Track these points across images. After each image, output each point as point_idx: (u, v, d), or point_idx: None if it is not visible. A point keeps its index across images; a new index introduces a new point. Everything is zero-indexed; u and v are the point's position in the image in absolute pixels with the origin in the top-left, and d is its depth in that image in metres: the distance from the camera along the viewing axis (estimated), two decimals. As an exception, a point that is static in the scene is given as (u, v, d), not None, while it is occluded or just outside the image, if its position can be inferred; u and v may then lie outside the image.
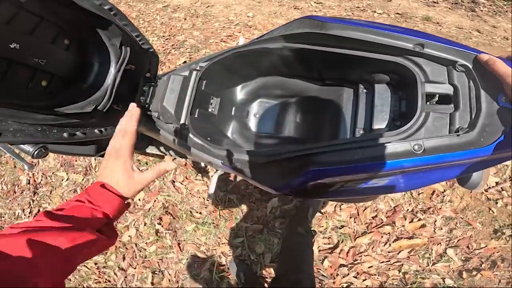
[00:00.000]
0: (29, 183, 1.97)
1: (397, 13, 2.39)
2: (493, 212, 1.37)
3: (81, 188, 1.81)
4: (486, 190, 1.41)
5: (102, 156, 1.05)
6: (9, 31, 0.56)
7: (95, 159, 1.83)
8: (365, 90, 0.80)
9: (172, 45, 2.42)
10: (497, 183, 1.41)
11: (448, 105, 0.55)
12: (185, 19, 2.77)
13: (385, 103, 0.70)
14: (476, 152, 0.48)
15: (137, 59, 0.76)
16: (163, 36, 2.57)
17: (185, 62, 2.19)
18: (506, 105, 0.48)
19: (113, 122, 0.66)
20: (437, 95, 0.57)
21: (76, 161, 1.90)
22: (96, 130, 0.65)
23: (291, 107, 1.02)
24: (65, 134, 0.57)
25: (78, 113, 0.62)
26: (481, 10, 2.38)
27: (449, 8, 2.46)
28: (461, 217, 1.38)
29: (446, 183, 1.44)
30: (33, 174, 1.96)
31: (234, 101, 1.04)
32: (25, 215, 1.89)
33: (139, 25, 2.87)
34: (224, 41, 2.31)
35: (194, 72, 0.83)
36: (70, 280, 1.66)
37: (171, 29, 2.66)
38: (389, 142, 0.52)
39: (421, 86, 0.57)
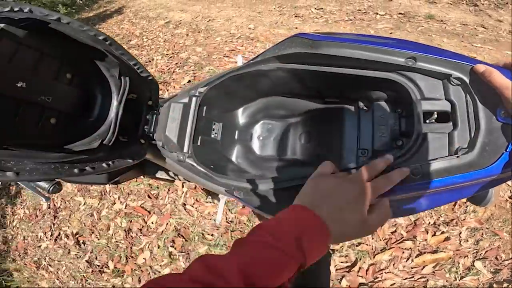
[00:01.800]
0: (49, 208, 2.05)
1: (400, 13, 2.33)
2: (520, 220, 1.28)
3: (97, 212, 1.84)
4: (510, 197, 1.32)
5: (115, 183, 1.06)
6: (13, 69, 0.56)
7: (109, 185, 1.87)
8: (365, 108, 0.77)
9: (176, 63, 2.44)
10: None
11: (447, 124, 0.51)
12: (187, 35, 2.80)
13: (385, 123, 0.68)
14: (478, 173, 0.45)
15: (137, 88, 0.75)
16: (167, 54, 2.60)
17: (189, 81, 2.20)
18: (505, 120, 0.44)
19: (120, 154, 0.66)
20: (435, 112, 0.53)
21: (92, 186, 1.94)
22: (104, 164, 0.63)
23: (294, 128, 0.99)
24: (75, 170, 0.57)
25: (85, 149, 0.62)
26: (483, 4, 2.30)
27: (451, 4, 2.38)
28: (486, 228, 1.29)
29: None
30: (52, 199, 2.04)
31: (237, 124, 1.02)
32: (46, 237, 1.97)
33: (143, 43, 2.92)
34: (227, 56, 2.30)
35: (194, 99, 0.82)
36: None
37: (174, 46, 2.69)
38: (386, 169, 0.49)
39: (417, 105, 0.53)
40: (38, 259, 1.97)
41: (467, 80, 0.50)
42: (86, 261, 1.75)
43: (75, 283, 1.77)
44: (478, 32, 2.05)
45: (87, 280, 1.73)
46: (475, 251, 1.25)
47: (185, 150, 0.78)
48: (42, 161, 0.53)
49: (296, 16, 2.54)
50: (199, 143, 0.82)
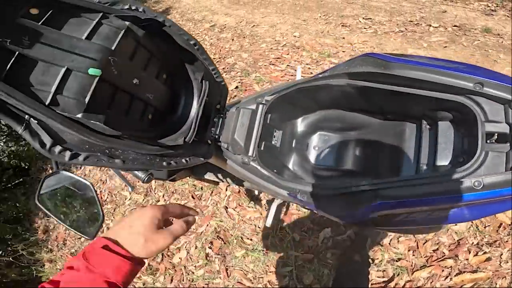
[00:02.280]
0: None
1: (455, 26, 2.25)
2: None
3: (141, 207, 1.96)
4: None
5: (172, 180, 1.17)
6: (132, 66, 0.65)
7: (155, 182, 1.99)
8: (428, 126, 0.84)
9: (223, 68, 2.52)
10: None
11: (505, 144, 0.59)
12: (232, 39, 2.89)
13: (449, 141, 0.75)
14: None
15: (210, 92, 0.82)
16: (214, 58, 2.69)
17: (236, 87, 2.27)
18: None
19: (194, 152, 0.74)
20: (496, 134, 0.60)
21: (138, 182, 2.06)
22: (183, 160, 0.70)
23: (351, 141, 1.04)
24: (164, 163, 0.64)
25: (173, 145, 0.69)
26: None
27: (508, 16, 2.26)
28: None
29: None
30: (100, 191, 2.18)
31: (295, 133, 1.09)
32: None
33: (189, 47, 3.06)
34: (273, 64, 2.35)
35: (261, 106, 0.89)
36: None
37: (220, 50, 2.79)
38: (453, 179, 0.58)
39: (481, 126, 0.61)
40: (76, 250, 2.08)
41: None
42: None
43: None
44: (539, 47, 1.94)
45: None
46: (515, 273, 1.22)
47: (250, 153, 0.84)
48: (142, 152, 0.59)
49: (343, 25, 2.53)
50: (262, 148, 0.90)
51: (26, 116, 0.44)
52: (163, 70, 0.76)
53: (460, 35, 2.15)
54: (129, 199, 2.03)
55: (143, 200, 1.97)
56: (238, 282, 1.51)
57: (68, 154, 0.48)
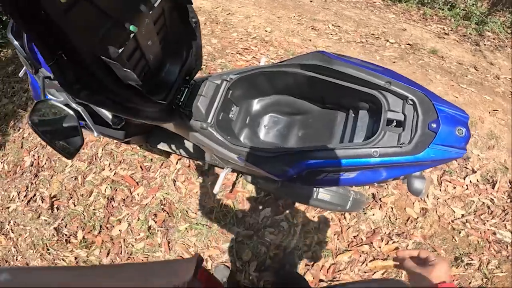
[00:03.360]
0: (32, 165, 2.05)
1: (408, 44, 2.57)
2: (456, 241, 1.55)
3: (83, 176, 1.91)
4: (452, 221, 1.60)
5: (127, 142, 1.24)
6: (153, 30, 0.82)
7: (102, 150, 1.96)
8: (353, 115, 1.10)
9: None
10: (462, 215, 1.61)
11: (399, 128, 0.85)
12: (205, 23, 2.95)
13: (364, 124, 1.01)
14: (410, 158, 0.78)
15: (190, 65, 1.00)
16: (182, 39, 2.74)
17: (200, 69, 2.34)
18: (432, 129, 0.79)
19: (162, 112, 0.91)
20: (394, 121, 0.86)
21: (83, 149, 2.01)
22: (156, 115, 0.88)
23: (296, 123, 1.26)
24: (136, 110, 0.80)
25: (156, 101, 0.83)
26: (485, 44, 2.60)
27: (457, 41, 2.65)
28: (428, 243, 1.54)
29: (420, 211, 1.62)
30: (38, 156, 2.08)
31: (250, 111, 1.28)
32: (19, 198, 1.96)
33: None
34: (239, 53, 2.48)
35: (225, 82, 1.08)
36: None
37: (190, 32, 2.83)
38: (359, 148, 0.83)
39: (384, 113, 0.87)
40: (2, 222, 1.93)
41: (417, 102, 0.84)
42: (54, 228, 1.77)
43: (34, 252, 1.76)
44: (469, 73, 2.32)
45: (48, 250, 1.73)
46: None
47: (209, 120, 1.02)
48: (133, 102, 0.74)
49: (313, 28, 2.74)
50: (220, 118, 1.07)
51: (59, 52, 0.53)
52: (166, 38, 0.92)
53: (409, 53, 2.47)
54: (70, 166, 1.97)
55: (86, 167, 1.94)
56: (179, 255, 1.59)
57: (84, 93, 0.61)
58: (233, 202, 1.67)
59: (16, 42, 0.77)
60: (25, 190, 1.98)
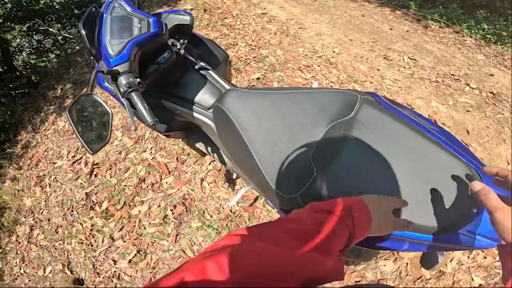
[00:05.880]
0: None
1: (491, 92, 2.38)
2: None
3: (126, 152, 2.19)
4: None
5: (167, 136, 1.43)
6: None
7: (149, 133, 2.24)
8: None
9: (255, 57, 2.76)
10: (480, 285, 1.50)
11: None
12: (275, 33, 3.13)
13: None
14: (442, 238, 0.71)
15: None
16: (250, 45, 2.95)
17: (258, 78, 2.49)
18: (472, 214, 0.70)
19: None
20: None
21: (134, 132, 2.29)
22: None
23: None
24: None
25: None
26: None
27: None
28: None
29: (436, 273, 1.54)
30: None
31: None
32: (67, 158, 2.32)
33: (235, 25, 3.34)
34: (300, 70, 2.56)
35: None
36: (57, 232, 1.98)
37: (259, 39, 3.04)
38: None
39: None
40: (44, 175, 2.29)
41: (468, 183, 0.72)
42: (86, 193, 2.05)
43: (59, 210, 2.05)
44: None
45: (72, 211, 2.00)
46: None
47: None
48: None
49: (385, 57, 2.72)
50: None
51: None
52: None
53: (489, 103, 2.28)
54: (119, 140, 2.27)
55: (131, 145, 2.21)
56: (182, 249, 1.71)
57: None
58: (249, 216, 1.75)
59: (83, 32, 0.87)
60: (75, 152, 2.34)
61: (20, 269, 1.93)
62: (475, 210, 0.70)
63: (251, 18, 3.50)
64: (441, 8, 3.71)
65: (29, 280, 1.87)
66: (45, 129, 2.71)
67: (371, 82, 2.42)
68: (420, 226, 0.71)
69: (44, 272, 1.86)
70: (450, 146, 0.78)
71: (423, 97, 2.30)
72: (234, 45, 2.96)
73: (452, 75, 2.54)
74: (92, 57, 0.99)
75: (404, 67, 2.61)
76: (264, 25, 3.34)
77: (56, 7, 5.00)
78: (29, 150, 2.58)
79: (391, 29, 3.19)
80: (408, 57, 2.71)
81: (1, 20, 4.12)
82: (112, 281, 1.69)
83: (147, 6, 4.26)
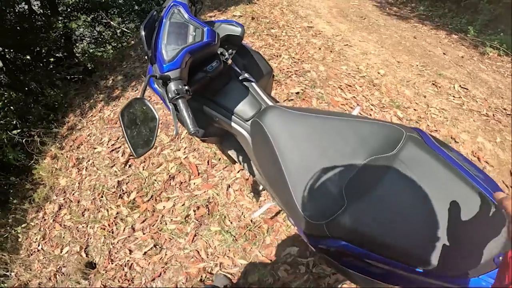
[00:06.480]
0: None
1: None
2: None
3: (162, 148, 2.30)
4: None
5: (203, 141, 1.47)
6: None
7: (185, 133, 2.34)
8: None
9: (296, 70, 2.77)
10: None
11: None
12: (319, 48, 3.13)
13: None
14: (458, 281, 0.70)
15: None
16: (293, 57, 2.97)
17: (298, 93, 2.50)
18: (495, 262, 0.69)
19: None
20: None
21: (172, 126, 2.40)
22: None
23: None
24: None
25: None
26: None
27: None
28: None
29: None
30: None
31: None
32: (107, 145, 2.47)
33: (280, 36, 3.39)
34: (341, 88, 2.53)
35: None
36: (83, 215, 2.10)
37: (303, 53, 3.06)
38: None
39: None
40: (83, 158, 2.44)
41: (502, 230, 0.71)
42: (118, 181, 2.17)
43: (90, 194, 2.17)
44: None
45: (102, 197, 2.12)
46: None
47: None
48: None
49: (433, 84, 2.60)
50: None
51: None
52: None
53: None
54: (157, 136, 2.39)
55: (167, 142, 2.33)
56: (196, 250, 1.76)
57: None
58: (268, 228, 1.76)
59: (143, 34, 0.92)
60: (115, 140, 2.49)
61: (39, 245, 2.06)
62: (500, 258, 0.68)
63: (296, 31, 3.52)
64: (502, 35, 3.49)
65: (44, 257, 1.99)
66: (92, 115, 2.90)
67: (415, 109, 2.33)
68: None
69: (61, 252, 1.98)
70: (491, 194, 0.75)
71: (470, 131, 2.18)
72: (277, 56, 2.99)
73: (505, 109, 2.38)
74: (146, 58, 1.06)
75: (453, 96, 2.48)
76: (309, 38, 3.35)
77: (120, 1, 5.39)
78: (74, 132, 2.77)
79: (444, 53, 3.06)
80: (460, 86, 2.58)
81: (69, 10, 4.54)
82: (123, 270, 1.77)
83: (200, 9, 4.44)
